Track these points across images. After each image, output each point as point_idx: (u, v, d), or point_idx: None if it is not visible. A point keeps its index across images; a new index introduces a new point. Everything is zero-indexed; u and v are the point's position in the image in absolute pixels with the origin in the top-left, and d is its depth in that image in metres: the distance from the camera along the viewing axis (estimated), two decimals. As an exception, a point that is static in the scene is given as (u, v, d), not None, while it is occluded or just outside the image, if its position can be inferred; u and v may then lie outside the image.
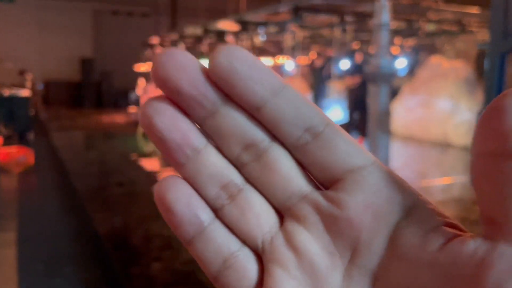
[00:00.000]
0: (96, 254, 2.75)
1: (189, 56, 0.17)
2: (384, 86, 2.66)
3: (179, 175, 0.18)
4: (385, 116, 2.75)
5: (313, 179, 0.18)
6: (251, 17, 6.30)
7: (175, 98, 0.17)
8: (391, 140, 3.44)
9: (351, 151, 0.17)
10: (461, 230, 0.16)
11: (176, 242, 2.61)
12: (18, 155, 4.85)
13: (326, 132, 0.17)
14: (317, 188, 0.18)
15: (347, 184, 0.17)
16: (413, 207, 0.16)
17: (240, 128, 0.17)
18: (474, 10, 5.49)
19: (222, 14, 8.33)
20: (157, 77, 0.17)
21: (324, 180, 0.17)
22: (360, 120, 5.38)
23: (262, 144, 0.18)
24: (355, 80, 5.55)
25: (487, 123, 0.13)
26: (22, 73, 8.75)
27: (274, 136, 0.18)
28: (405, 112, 6.85)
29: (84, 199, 3.68)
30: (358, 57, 5.85)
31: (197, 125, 0.18)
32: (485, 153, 0.14)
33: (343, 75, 6.55)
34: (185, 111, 0.18)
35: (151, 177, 4.35)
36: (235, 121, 0.17)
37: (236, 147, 0.18)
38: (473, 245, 0.14)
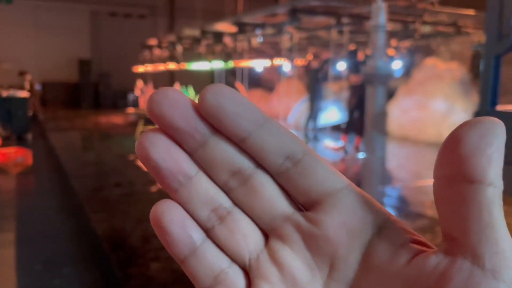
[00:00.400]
0: (94, 255, 2.76)
1: (181, 94, 0.19)
2: (381, 87, 2.69)
3: (173, 200, 0.20)
4: (382, 117, 2.78)
5: (295, 201, 0.20)
6: (249, 18, 6.32)
7: (169, 132, 0.19)
8: (387, 141, 3.47)
9: (327, 176, 0.19)
10: (427, 246, 0.17)
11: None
12: (16, 156, 4.86)
13: (305, 160, 0.19)
14: (299, 209, 0.19)
15: (324, 206, 0.18)
16: (384, 225, 0.18)
17: (228, 157, 0.19)
18: (470, 12, 5.53)
19: (219, 15, 8.35)
20: (153, 114, 0.19)
21: (305, 203, 0.19)
22: (360, 119, 5.40)
23: (247, 171, 0.19)
24: (358, 78, 5.56)
25: (445, 150, 0.15)
26: (21, 74, 8.74)
27: (259, 163, 0.19)
28: (400, 113, 6.89)
29: (82, 199, 3.70)
30: (361, 56, 5.87)
31: (188, 155, 0.20)
32: (443, 177, 0.15)
33: (342, 75, 6.58)
34: (178, 143, 0.19)
35: (149, 178, 4.37)
36: (223, 151, 0.19)
37: (224, 174, 0.19)
38: (435, 260, 0.16)
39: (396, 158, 5.42)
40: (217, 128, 0.19)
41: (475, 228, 0.15)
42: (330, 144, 6.09)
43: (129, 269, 2.42)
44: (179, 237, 0.19)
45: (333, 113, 7.55)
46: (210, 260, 0.19)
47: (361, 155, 5.30)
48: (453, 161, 0.15)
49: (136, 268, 2.42)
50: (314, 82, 6.67)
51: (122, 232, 2.96)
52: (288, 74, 7.83)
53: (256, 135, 0.18)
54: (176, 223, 0.19)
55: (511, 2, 1.36)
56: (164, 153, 0.19)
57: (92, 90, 11.86)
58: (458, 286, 0.15)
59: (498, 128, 0.15)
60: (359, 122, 5.43)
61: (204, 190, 0.19)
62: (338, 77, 6.92)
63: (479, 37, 6.30)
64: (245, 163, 0.19)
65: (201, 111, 0.19)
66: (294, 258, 0.19)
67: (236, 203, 0.20)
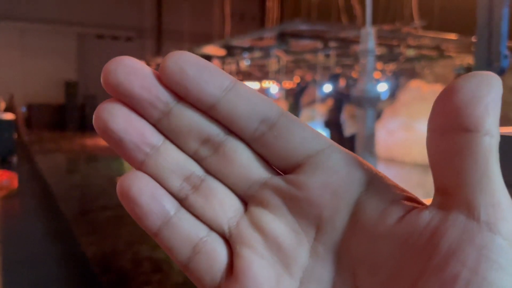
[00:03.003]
0: (84, 279, 2.71)
1: (138, 62, 0.18)
2: (370, 109, 2.75)
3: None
4: (371, 139, 2.83)
5: (273, 167, 0.18)
6: (237, 42, 6.41)
7: (128, 102, 0.18)
8: (375, 162, 3.52)
9: (307, 137, 0.18)
10: (418, 202, 0.16)
11: (166, 265, 2.60)
12: (2, 179, 4.78)
13: (281, 122, 0.18)
14: (278, 174, 0.18)
15: (306, 168, 0.17)
16: (371, 183, 0.17)
17: (195, 125, 0.18)
18: (452, 36, 5.69)
19: (207, 38, 8.44)
20: (108, 83, 0.17)
21: (285, 168, 0.18)
22: (340, 141, 5.52)
23: (218, 138, 0.18)
24: (332, 102, 5.73)
25: (440, 102, 0.15)
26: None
27: (232, 131, 0.18)
28: (387, 135, 6.99)
29: (70, 222, 3.64)
30: (342, 82, 6.01)
31: (152, 125, 0.18)
32: (438, 128, 0.15)
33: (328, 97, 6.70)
34: (139, 113, 0.18)
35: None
36: (189, 119, 0.18)
37: (193, 143, 0.18)
38: (428, 215, 0.15)
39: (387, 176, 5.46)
40: (182, 95, 0.18)
41: (470, 179, 0.14)
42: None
43: (121, 293, 2.38)
44: (150, 208, 0.18)
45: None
46: (187, 229, 0.18)
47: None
48: (449, 111, 0.14)
49: (128, 292, 2.38)
50: (295, 104, 6.77)
51: (112, 255, 2.92)
52: (276, 96, 7.92)
53: (225, 100, 0.17)
54: (145, 193, 0.18)
55: (499, 30, 1.43)
56: (125, 124, 0.18)
57: (78, 112, 11.78)
58: (452, 241, 0.14)
59: (495, 79, 0.14)
60: (339, 143, 5.54)
61: (173, 158, 0.18)
62: (325, 99, 7.03)
63: (462, 60, 6.48)
64: (214, 130, 0.18)
65: (163, 79, 0.17)
66: (277, 222, 0.18)
67: (209, 172, 0.19)
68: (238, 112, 0.18)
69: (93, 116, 0.18)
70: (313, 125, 7.39)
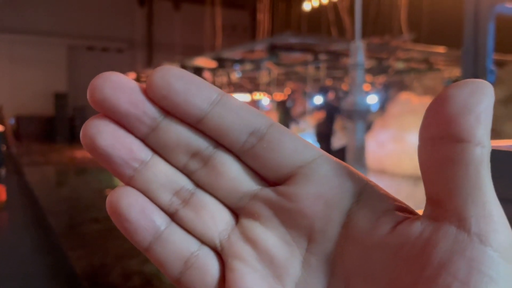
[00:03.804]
0: (72, 294, 2.67)
1: (125, 77, 0.18)
2: (360, 122, 2.77)
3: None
4: (361, 151, 2.85)
5: (263, 178, 0.18)
6: (228, 54, 6.44)
7: (115, 118, 0.18)
8: (366, 174, 3.53)
9: (297, 147, 0.17)
10: (410, 212, 0.16)
11: (156, 280, 2.58)
12: (-11, 192, 4.71)
13: (270, 133, 0.17)
14: (269, 186, 0.18)
15: (297, 179, 0.17)
16: (363, 192, 0.17)
17: (183, 139, 0.18)
18: (440, 49, 5.77)
19: (198, 50, 8.47)
20: (95, 99, 0.17)
21: (276, 179, 0.18)
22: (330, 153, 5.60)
23: (206, 151, 0.18)
24: (321, 115, 5.77)
25: (432, 111, 0.14)
26: None
27: (221, 144, 0.18)
28: (377, 147, 7.03)
29: (59, 236, 3.60)
30: (331, 95, 6.05)
31: (140, 140, 0.18)
32: (430, 138, 0.15)
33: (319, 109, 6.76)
34: (127, 129, 0.18)
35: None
36: (177, 133, 0.18)
37: (182, 156, 0.18)
38: (420, 227, 0.15)
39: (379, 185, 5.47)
40: (169, 110, 0.18)
41: (462, 190, 0.14)
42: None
43: (110, 308, 2.34)
44: (140, 223, 0.18)
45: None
46: (178, 243, 0.18)
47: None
48: (440, 120, 0.14)
49: (117, 307, 2.35)
50: (284, 115, 6.81)
51: (102, 270, 2.88)
52: (266, 108, 7.95)
53: (213, 114, 0.17)
54: (135, 209, 0.18)
55: (485, 45, 1.46)
56: (113, 140, 0.18)
57: (68, 124, 11.71)
58: (444, 253, 0.14)
59: (487, 87, 0.14)
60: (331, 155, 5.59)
61: (162, 173, 0.18)
62: (312, 112, 7.08)
63: (450, 73, 6.57)
64: (203, 144, 0.18)
65: (150, 94, 0.17)
66: (268, 234, 0.18)
67: (199, 186, 0.19)
68: (226, 125, 0.17)
69: (81, 133, 0.18)
70: (304, 136, 7.41)
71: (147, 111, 0.17)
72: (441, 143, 0.14)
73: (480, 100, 0.14)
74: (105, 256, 3.12)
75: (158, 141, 0.18)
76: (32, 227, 4.13)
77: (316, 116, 6.15)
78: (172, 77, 0.17)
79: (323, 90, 6.25)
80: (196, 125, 0.18)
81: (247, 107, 0.18)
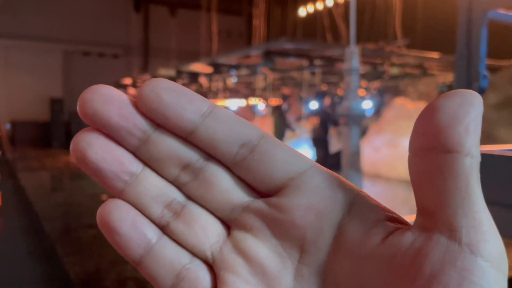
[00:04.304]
0: (67, 300, 2.66)
1: (115, 90, 0.17)
2: (355, 127, 2.78)
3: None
4: (356, 155, 2.86)
5: (255, 189, 0.18)
6: (224, 59, 6.45)
7: (105, 130, 0.18)
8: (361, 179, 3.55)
9: (288, 159, 0.17)
10: (402, 223, 0.16)
11: (150, 286, 2.56)
12: (-16, 198, 4.69)
13: (262, 145, 0.17)
14: (261, 197, 0.18)
15: (288, 190, 0.17)
16: (354, 203, 0.17)
17: (174, 152, 0.18)
18: (434, 55, 5.81)
19: (194, 55, 8.48)
20: (85, 113, 0.17)
21: (267, 191, 0.18)
22: (325, 158, 5.60)
23: (198, 163, 0.18)
24: (316, 120, 5.80)
25: (422, 121, 0.15)
26: None
27: (212, 156, 0.18)
28: (372, 151, 7.05)
29: (54, 242, 3.58)
30: (327, 100, 6.07)
31: (131, 153, 0.18)
32: (420, 148, 0.15)
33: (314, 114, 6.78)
34: (117, 142, 0.18)
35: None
36: (168, 145, 0.18)
37: (173, 169, 0.18)
38: (411, 237, 0.15)
39: (370, 195, 5.49)
40: (160, 123, 0.18)
41: (452, 200, 0.14)
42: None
43: (105, 314, 2.33)
44: (131, 236, 0.18)
45: (305, 152, 7.67)
46: (169, 257, 0.18)
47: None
48: (430, 131, 0.14)
49: (112, 313, 2.34)
50: (279, 120, 6.82)
51: (97, 275, 2.87)
52: (262, 113, 7.96)
53: (204, 126, 0.17)
54: (126, 222, 0.18)
55: (478, 50, 1.47)
56: (103, 153, 0.17)
57: (64, 129, 11.67)
58: (435, 263, 0.14)
59: (476, 98, 0.14)
60: (325, 160, 5.60)
61: (153, 186, 0.18)
62: (308, 117, 7.10)
63: (444, 78, 6.61)
64: (194, 156, 0.18)
65: (140, 107, 0.17)
66: (260, 246, 0.18)
67: (190, 198, 0.18)
68: (217, 137, 0.17)
69: (71, 146, 0.18)
70: (299, 142, 7.44)
71: (137, 124, 0.17)
72: (430, 153, 0.14)
73: (468, 111, 0.14)
74: (100, 262, 3.11)
75: (149, 153, 0.18)
76: (27, 232, 4.10)
77: (311, 121, 6.17)
78: (162, 90, 0.17)
79: (320, 95, 6.27)
80: (187, 137, 0.18)
81: (238, 119, 0.18)
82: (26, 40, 11.29)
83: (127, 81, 9.84)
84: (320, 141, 5.67)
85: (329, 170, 0.18)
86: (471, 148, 0.14)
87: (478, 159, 0.14)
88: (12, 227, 4.27)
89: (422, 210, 0.15)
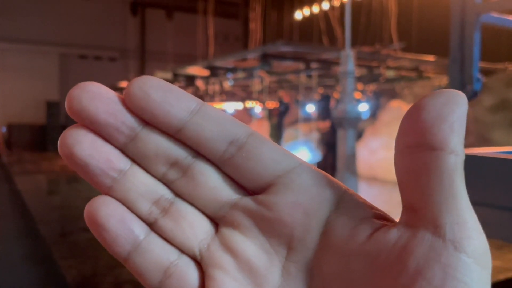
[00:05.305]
0: (64, 303, 2.65)
1: (103, 88, 0.18)
2: (351, 130, 2.80)
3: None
4: (352, 158, 2.87)
5: (243, 187, 0.18)
6: (220, 63, 6.46)
7: (93, 128, 0.18)
8: (357, 181, 3.56)
9: (276, 157, 0.17)
10: (388, 220, 0.17)
11: (148, 288, 2.57)
12: (-20, 201, 4.67)
13: (250, 142, 0.18)
14: (249, 195, 0.18)
15: (276, 188, 0.17)
16: (341, 201, 0.17)
17: (162, 149, 0.18)
18: (430, 58, 5.83)
19: (191, 58, 8.49)
20: (72, 109, 0.17)
21: (255, 188, 0.18)
22: (332, 162, 5.60)
23: (186, 160, 0.18)
24: (326, 125, 5.78)
25: (407, 120, 0.15)
26: None
27: (200, 154, 0.18)
28: (368, 154, 7.07)
29: (50, 245, 3.57)
30: (333, 102, 6.09)
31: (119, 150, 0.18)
32: (405, 146, 0.15)
33: (311, 117, 6.78)
34: (105, 139, 0.18)
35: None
36: (156, 142, 0.18)
37: (161, 166, 0.18)
38: (396, 234, 0.15)
39: (366, 198, 5.50)
40: (148, 120, 0.18)
41: (436, 198, 0.14)
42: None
43: (102, 317, 2.33)
44: (118, 233, 0.18)
45: (303, 154, 7.67)
46: (157, 253, 0.18)
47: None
48: (415, 129, 0.15)
49: (108, 316, 2.34)
50: (276, 123, 6.83)
51: (94, 279, 2.87)
52: (259, 116, 7.97)
53: (192, 123, 0.17)
54: (113, 218, 0.18)
55: (471, 54, 1.49)
56: (91, 149, 0.18)
57: (60, 133, 11.55)
58: (419, 260, 0.14)
59: (460, 98, 0.14)
60: (330, 164, 5.60)
61: (141, 182, 0.18)
62: (307, 119, 7.10)
63: (440, 81, 6.64)
64: (182, 153, 0.18)
65: (128, 104, 0.17)
66: (248, 243, 0.18)
67: (178, 195, 0.19)
68: (205, 134, 0.17)
69: (58, 143, 0.18)
70: (296, 144, 7.45)
71: (125, 121, 0.18)
72: (416, 151, 0.15)
73: (453, 109, 0.14)
74: (97, 265, 3.10)
75: (137, 150, 0.18)
76: (23, 236, 4.09)
77: (321, 125, 6.15)
78: (150, 87, 0.17)
79: (325, 99, 6.26)
80: (175, 134, 0.18)
81: (226, 117, 0.18)
82: (22, 43, 11.26)
83: (124, 84, 9.83)
84: (331, 145, 5.66)
85: (316, 168, 0.18)
86: (456, 146, 0.14)
87: (462, 157, 0.14)
88: (7, 231, 4.26)
89: (407, 207, 0.15)
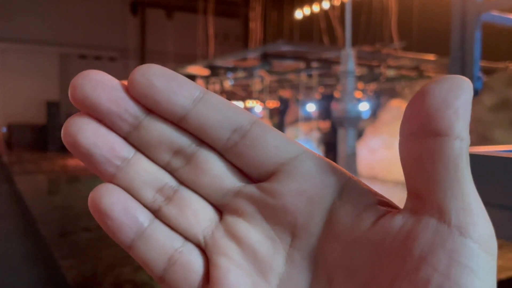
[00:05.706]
0: (64, 303, 2.65)
1: (106, 75, 0.17)
2: (351, 129, 2.79)
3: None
4: (353, 157, 2.87)
5: (247, 174, 0.18)
6: (221, 62, 6.46)
7: (97, 116, 0.17)
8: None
9: (280, 144, 0.17)
10: (392, 207, 0.16)
11: (148, 288, 2.56)
12: (-20, 201, 4.67)
13: (253, 130, 0.17)
14: (252, 183, 0.18)
15: (280, 175, 0.17)
16: (345, 188, 0.17)
17: (166, 137, 0.18)
18: (431, 57, 5.83)
19: (191, 58, 8.48)
20: (76, 97, 0.17)
21: (259, 176, 0.18)
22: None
23: (189, 148, 0.18)
24: (327, 125, 5.79)
25: (412, 106, 0.15)
26: None
27: (204, 142, 0.18)
28: (369, 153, 7.06)
29: (50, 245, 3.57)
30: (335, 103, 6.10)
31: (122, 138, 0.18)
32: (410, 132, 0.15)
33: (311, 116, 6.78)
34: (109, 127, 0.18)
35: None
36: (160, 131, 0.18)
37: (164, 154, 0.18)
38: (400, 220, 0.15)
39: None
40: (151, 108, 0.18)
41: (441, 183, 0.14)
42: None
43: (102, 317, 2.33)
44: (122, 220, 0.18)
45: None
46: (161, 240, 0.18)
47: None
48: (420, 115, 0.14)
49: (109, 316, 2.33)
50: (279, 122, 6.84)
51: (94, 279, 2.86)
52: (259, 115, 7.97)
53: (196, 111, 0.17)
54: (117, 206, 0.18)
55: (471, 53, 1.48)
56: (94, 137, 0.17)
57: (60, 133, 11.62)
58: (424, 245, 0.14)
59: (466, 83, 0.14)
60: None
61: (145, 170, 0.18)
62: (308, 118, 7.10)
63: (440, 80, 6.62)
64: (186, 141, 0.18)
65: (131, 92, 0.17)
66: (252, 231, 0.18)
67: (182, 183, 0.18)
68: (209, 122, 0.17)
69: (62, 131, 0.18)
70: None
71: (128, 109, 0.17)
72: (420, 137, 0.14)
73: (458, 95, 0.14)
74: (97, 265, 3.10)
75: (140, 139, 0.18)
76: (24, 236, 4.09)
77: (322, 125, 6.16)
78: (154, 75, 0.17)
79: (327, 98, 6.26)
80: (179, 122, 0.18)
81: (230, 104, 0.18)
82: (23, 43, 11.27)
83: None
84: (332, 145, 5.67)
85: (320, 156, 0.18)
86: (461, 132, 0.14)
87: (467, 142, 0.14)
88: (8, 231, 4.26)
89: (412, 194, 0.15)
